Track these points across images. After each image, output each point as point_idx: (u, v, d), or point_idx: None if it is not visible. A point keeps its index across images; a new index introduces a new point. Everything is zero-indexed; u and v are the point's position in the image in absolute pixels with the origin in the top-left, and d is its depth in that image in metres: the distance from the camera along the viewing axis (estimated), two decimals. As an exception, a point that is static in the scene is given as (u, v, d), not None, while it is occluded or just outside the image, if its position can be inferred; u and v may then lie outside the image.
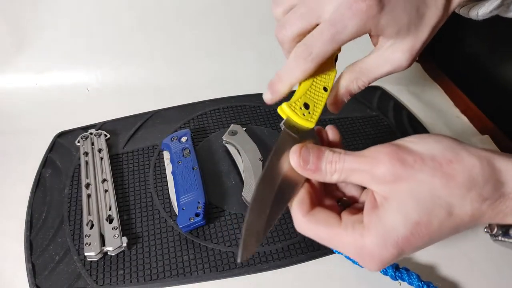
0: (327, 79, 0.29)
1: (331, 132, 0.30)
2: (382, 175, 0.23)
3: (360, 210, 0.26)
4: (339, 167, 0.24)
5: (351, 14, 0.25)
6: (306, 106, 0.27)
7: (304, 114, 0.27)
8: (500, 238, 0.27)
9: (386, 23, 0.26)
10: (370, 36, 0.30)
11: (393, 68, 0.29)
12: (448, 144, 0.23)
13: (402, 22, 0.27)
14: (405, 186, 0.23)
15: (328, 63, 0.29)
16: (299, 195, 0.26)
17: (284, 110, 0.27)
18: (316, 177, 0.25)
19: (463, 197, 0.22)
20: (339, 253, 0.38)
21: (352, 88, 0.30)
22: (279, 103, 0.28)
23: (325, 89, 0.29)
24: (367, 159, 0.24)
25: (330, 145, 0.29)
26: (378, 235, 0.23)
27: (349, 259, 0.38)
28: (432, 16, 0.28)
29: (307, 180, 0.26)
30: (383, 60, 0.29)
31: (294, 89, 0.29)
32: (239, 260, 0.23)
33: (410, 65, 0.29)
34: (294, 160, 0.25)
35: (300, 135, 0.26)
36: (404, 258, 0.39)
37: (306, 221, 0.25)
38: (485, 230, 0.28)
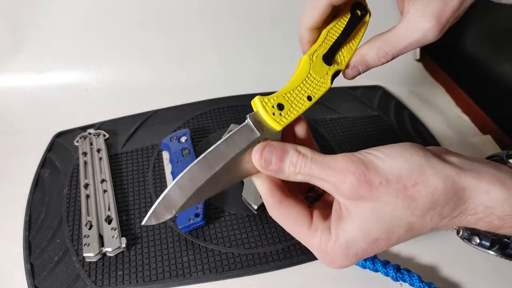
0: (315, 90, 0.28)
1: (299, 128, 0.29)
2: (347, 192, 0.23)
3: (329, 206, 0.27)
4: (303, 171, 0.24)
5: None
6: (281, 107, 0.26)
7: (274, 114, 0.26)
8: (465, 241, 0.28)
9: None
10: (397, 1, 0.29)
11: (419, 37, 0.27)
12: (417, 163, 0.23)
13: None
14: (368, 204, 0.23)
15: (322, 72, 0.28)
16: (267, 184, 0.26)
17: (255, 104, 0.26)
18: (279, 177, 0.25)
19: (424, 216, 0.23)
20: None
21: (371, 57, 0.29)
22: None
23: (309, 98, 0.27)
24: (333, 173, 0.23)
25: (298, 142, 0.28)
26: (340, 247, 0.24)
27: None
28: None
29: None
30: (410, 29, 0.27)
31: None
32: (142, 223, 0.24)
33: (438, 35, 0.27)
34: (256, 159, 0.25)
35: (263, 134, 0.26)
36: (405, 259, 0.39)
37: (279, 213, 0.26)
38: (453, 228, 0.28)
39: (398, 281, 0.36)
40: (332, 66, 0.29)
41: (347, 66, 0.29)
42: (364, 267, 0.37)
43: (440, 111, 0.60)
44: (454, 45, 0.69)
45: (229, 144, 0.25)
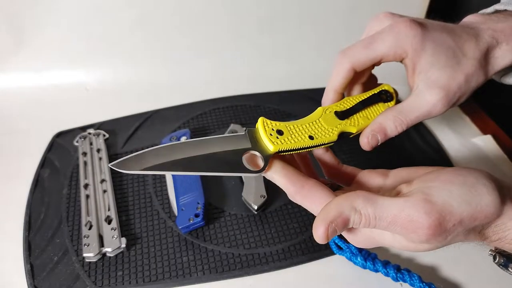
0: (320, 134, 0.28)
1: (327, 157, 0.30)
2: (421, 241, 0.24)
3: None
4: (371, 224, 0.24)
5: (389, 30, 0.29)
6: (280, 132, 0.27)
7: (271, 134, 0.27)
8: (501, 267, 0.28)
9: (422, 49, 0.28)
10: (407, 70, 0.31)
11: (429, 109, 0.29)
12: (481, 201, 0.24)
13: (439, 55, 0.28)
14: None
15: (332, 124, 0.29)
16: (285, 174, 0.26)
17: (258, 122, 0.27)
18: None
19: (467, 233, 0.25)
20: (340, 253, 0.38)
21: (387, 125, 0.30)
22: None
23: (311, 137, 0.28)
24: (404, 228, 0.23)
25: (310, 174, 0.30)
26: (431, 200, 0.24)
27: (350, 260, 0.37)
28: (468, 65, 0.29)
29: (293, 162, 0.28)
30: (419, 101, 0.29)
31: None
32: (110, 164, 0.25)
33: (446, 107, 0.29)
34: (323, 236, 0.24)
35: (254, 148, 0.26)
36: (405, 259, 0.39)
37: (302, 197, 0.26)
38: (489, 253, 0.29)
39: (399, 281, 0.36)
40: (343, 121, 0.29)
41: (363, 135, 0.30)
42: (364, 267, 0.37)
43: (440, 111, 0.59)
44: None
45: (220, 141, 0.26)
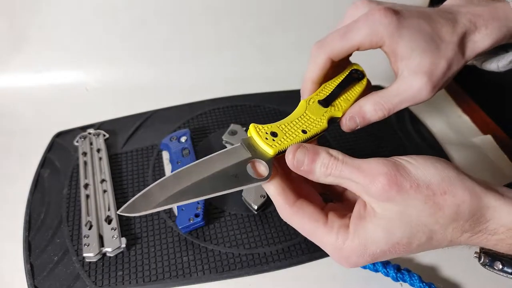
0: (311, 126, 0.29)
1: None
2: (377, 193, 0.23)
3: (343, 209, 0.27)
4: (334, 173, 0.25)
5: (364, 18, 0.29)
6: (274, 134, 0.27)
7: (267, 138, 0.27)
8: (487, 267, 0.29)
9: (399, 36, 0.28)
10: (389, 57, 0.30)
11: (413, 94, 0.29)
12: (447, 174, 0.24)
13: (417, 41, 0.28)
14: (396, 207, 0.24)
15: (319, 113, 0.29)
16: (279, 185, 0.26)
17: (249, 130, 0.27)
18: (309, 178, 0.26)
19: (446, 226, 0.24)
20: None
21: (367, 109, 0.30)
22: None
23: (304, 131, 0.28)
24: (364, 175, 0.24)
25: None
26: (359, 245, 0.24)
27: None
28: (447, 50, 0.29)
29: (285, 171, 0.27)
30: (403, 86, 0.29)
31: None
32: (118, 211, 0.24)
33: (431, 92, 0.29)
34: (289, 159, 0.26)
35: (255, 155, 0.26)
36: (406, 259, 0.39)
37: (292, 212, 0.26)
38: (474, 256, 0.29)
39: (399, 281, 0.36)
40: (328, 108, 0.30)
41: (343, 118, 0.31)
42: (364, 267, 0.37)
43: (440, 111, 0.59)
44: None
45: (220, 158, 0.26)
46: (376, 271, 0.36)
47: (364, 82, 0.33)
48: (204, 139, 0.51)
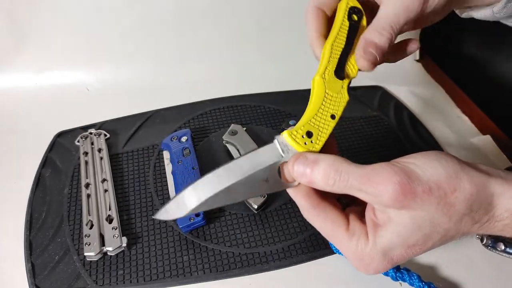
0: (336, 106, 0.28)
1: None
2: (390, 202, 0.23)
3: (362, 212, 0.27)
4: (339, 184, 0.25)
5: None
6: (309, 134, 0.27)
7: (305, 143, 0.26)
8: (489, 248, 0.29)
9: None
10: None
11: (405, 3, 0.28)
12: (453, 169, 0.24)
13: None
14: (409, 213, 0.24)
15: (338, 88, 0.28)
16: (303, 188, 0.26)
17: (285, 138, 0.26)
18: (314, 187, 0.26)
19: (459, 222, 0.24)
20: (340, 253, 0.38)
21: (372, 35, 0.28)
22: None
23: (332, 116, 0.27)
24: (375, 184, 0.24)
25: (325, 151, 0.29)
26: (378, 253, 0.25)
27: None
28: None
29: None
30: (393, 1, 0.28)
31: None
32: (153, 216, 0.25)
33: (421, 4, 0.28)
34: (289, 170, 0.26)
35: (288, 157, 0.26)
36: (405, 259, 0.39)
37: (316, 214, 0.26)
38: (477, 237, 0.30)
39: (398, 280, 0.36)
40: (345, 79, 0.29)
41: (357, 57, 0.29)
42: (364, 266, 0.37)
43: (440, 111, 0.60)
44: (454, 46, 0.70)
45: (251, 161, 0.26)
46: (376, 270, 0.36)
47: (364, 23, 0.31)
48: (204, 139, 0.51)
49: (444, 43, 0.71)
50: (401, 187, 0.23)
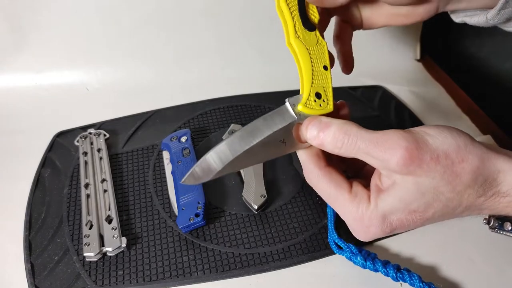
0: (322, 57, 0.28)
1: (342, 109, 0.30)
2: (398, 167, 0.24)
3: (365, 183, 0.28)
4: (347, 147, 0.25)
5: None
6: (318, 95, 0.27)
7: (320, 105, 0.27)
8: (496, 230, 0.29)
9: None
10: None
11: None
12: (463, 141, 0.25)
13: None
14: (414, 179, 0.24)
15: (314, 39, 0.28)
16: (313, 149, 0.27)
17: (303, 113, 0.27)
18: (324, 149, 0.27)
19: (462, 193, 0.24)
20: (340, 253, 0.38)
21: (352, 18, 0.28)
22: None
23: (325, 67, 0.28)
24: (383, 149, 0.24)
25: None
26: (377, 216, 0.25)
27: (350, 259, 0.37)
28: None
29: None
30: None
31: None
32: (181, 181, 0.26)
33: None
34: (302, 131, 0.27)
35: (300, 119, 0.27)
36: (405, 259, 0.39)
37: (321, 174, 0.27)
38: (484, 222, 0.30)
39: (398, 281, 0.36)
40: (315, 30, 0.29)
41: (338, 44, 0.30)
42: (364, 267, 0.37)
43: (441, 111, 0.59)
44: (454, 45, 0.69)
45: (267, 122, 0.26)
46: (376, 270, 0.36)
47: None
48: (204, 139, 0.51)
49: (444, 43, 0.71)
50: (409, 153, 0.23)
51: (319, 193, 0.28)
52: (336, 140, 0.25)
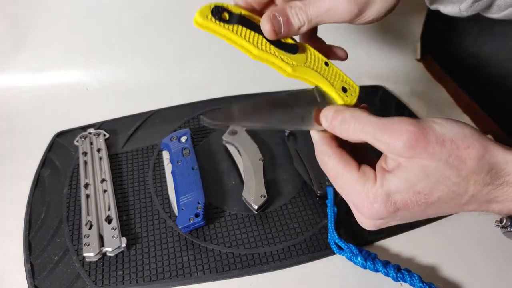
0: (318, 61, 0.29)
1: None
2: (403, 150, 0.25)
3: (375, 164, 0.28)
4: (354, 130, 0.27)
5: None
6: (344, 89, 0.29)
7: (352, 94, 0.29)
8: (509, 229, 0.29)
9: None
10: None
11: (331, 6, 0.27)
12: (470, 131, 0.25)
13: None
14: (420, 161, 0.25)
15: (303, 59, 0.29)
16: (326, 132, 0.29)
17: (336, 97, 0.29)
18: (334, 133, 0.28)
19: (468, 179, 0.25)
20: (340, 253, 0.38)
21: (288, 10, 0.28)
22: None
23: (326, 64, 0.29)
24: (390, 133, 0.25)
25: None
26: (382, 194, 0.26)
27: (350, 260, 0.37)
28: None
29: None
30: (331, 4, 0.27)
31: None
32: (202, 117, 0.27)
33: (352, 14, 0.27)
34: (315, 114, 0.28)
35: (323, 104, 0.29)
36: (406, 259, 0.39)
37: (331, 153, 0.28)
38: (496, 224, 0.30)
39: (399, 281, 0.36)
40: (297, 52, 0.29)
41: (263, 20, 0.28)
42: (364, 267, 0.37)
43: (441, 111, 0.59)
44: (455, 45, 0.69)
45: (291, 97, 0.29)
46: (376, 271, 0.36)
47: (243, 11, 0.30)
48: (204, 139, 0.51)
49: (445, 43, 0.71)
50: (415, 136, 0.24)
51: (328, 173, 0.29)
52: (347, 123, 0.27)
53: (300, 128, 0.29)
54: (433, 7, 0.33)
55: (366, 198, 0.26)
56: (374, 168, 0.29)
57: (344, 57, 0.33)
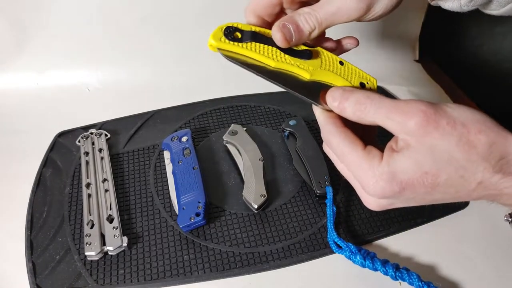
0: (333, 61, 0.30)
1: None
2: (414, 128, 0.24)
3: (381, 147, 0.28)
4: (368, 110, 0.26)
5: None
6: (362, 84, 0.30)
7: (370, 88, 0.30)
8: None
9: None
10: None
11: (339, 5, 0.28)
12: (482, 117, 0.25)
13: None
14: (429, 141, 0.24)
15: (317, 63, 0.29)
16: (332, 113, 0.28)
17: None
18: (343, 115, 0.27)
19: (477, 164, 0.24)
20: (339, 252, 0.38)
21: (297, 18, 0.28)
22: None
23: (341, 63, 0.30)
24: (402, 112, 0.25)
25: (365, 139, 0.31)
26: (389, 171, 0.25)
27: (350, 258, 0.38)
28: None
29: None
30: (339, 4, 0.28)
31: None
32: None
33: (361, 11, 0.28)
34: (332, 94, 0.28)
35: None
36: (404, 258, 0.39)
37: (337, 132, 0.28)
38: (505, 218, 0.29)
39: (397, 280, 0.36)
40: (311, 54, 0.30)
41: (274, 29, 0.29)
42: (363, 266, 0.37)
43: (440, 111, 0.60)
44: (453, 46, 0.70)
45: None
46: (375, 270, 0.37)
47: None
48: (205, 139, 0.52)
49: (443, 43, 0.71)
50: (427, 115, 0.24)
51: (334, 152, 0.28)
52: (360, 103, 0.26)
53: (302, 97, 0.28)
54: (434, 2, 0.33)
55: (372, 174, 0.26)
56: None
57: (356, 44, 0.33)
